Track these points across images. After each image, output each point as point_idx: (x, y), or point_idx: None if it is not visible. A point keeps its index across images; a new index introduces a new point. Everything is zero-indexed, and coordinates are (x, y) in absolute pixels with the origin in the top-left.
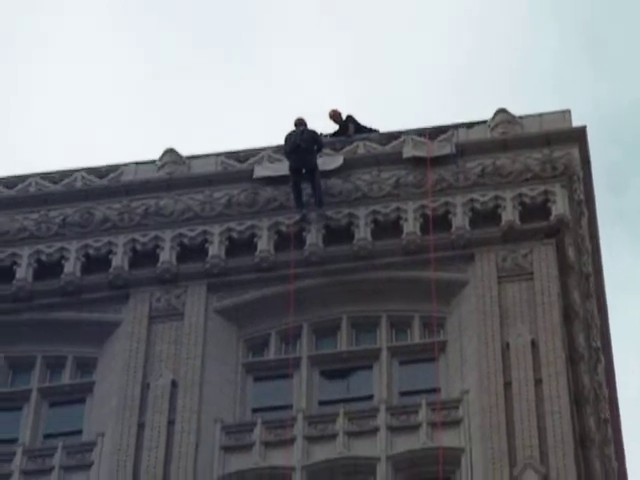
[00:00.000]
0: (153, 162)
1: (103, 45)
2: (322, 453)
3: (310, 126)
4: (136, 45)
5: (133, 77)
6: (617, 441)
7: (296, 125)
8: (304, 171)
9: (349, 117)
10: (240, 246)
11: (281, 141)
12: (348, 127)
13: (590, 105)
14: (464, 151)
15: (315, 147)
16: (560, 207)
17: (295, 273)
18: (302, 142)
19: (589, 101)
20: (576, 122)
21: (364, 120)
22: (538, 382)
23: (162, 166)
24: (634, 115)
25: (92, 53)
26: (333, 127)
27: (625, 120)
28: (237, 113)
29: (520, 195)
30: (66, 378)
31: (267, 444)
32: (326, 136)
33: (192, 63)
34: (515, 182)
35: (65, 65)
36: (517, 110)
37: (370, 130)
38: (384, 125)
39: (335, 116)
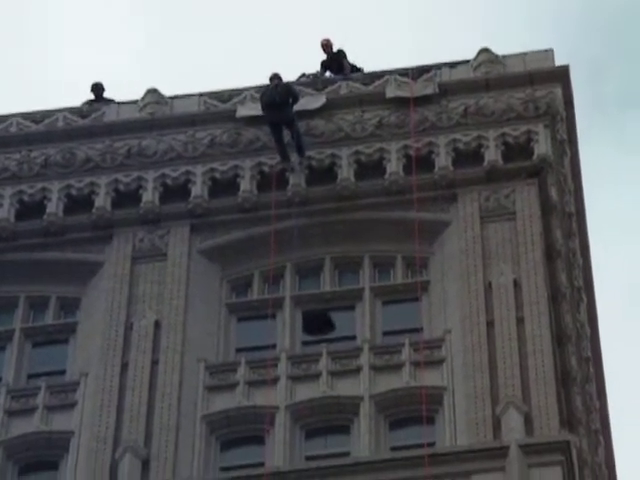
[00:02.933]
0: (135, 102)
1: None
2: (306, 392)
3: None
4: None
5: (114, 17)
6: (599, 379)
7: (271, 80)
8: (283, 125)
9: (340, 52)
10: (223, 186)
11: (265, 81)
12: (342, 63)
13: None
14: (447, 91)
15: (290, 100)
16: (543, 147)
17: (278, 214)
18: (277, 96)
19: None
20: (559, 16)
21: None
22: (520, 321)
23: (144, 106)
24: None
25: None
26: (321, 57)
27: (608, 11)
28: (220, 52)
29: (503, 135)
30: (49, 318)
31: (251, 384)
32: (313, 76)
33: (175, 2)
34: (498, 122)
35: (46, 8)
36: (500, 48)
37: (357, 69)
38: (367, 65)
39: (327, 46)
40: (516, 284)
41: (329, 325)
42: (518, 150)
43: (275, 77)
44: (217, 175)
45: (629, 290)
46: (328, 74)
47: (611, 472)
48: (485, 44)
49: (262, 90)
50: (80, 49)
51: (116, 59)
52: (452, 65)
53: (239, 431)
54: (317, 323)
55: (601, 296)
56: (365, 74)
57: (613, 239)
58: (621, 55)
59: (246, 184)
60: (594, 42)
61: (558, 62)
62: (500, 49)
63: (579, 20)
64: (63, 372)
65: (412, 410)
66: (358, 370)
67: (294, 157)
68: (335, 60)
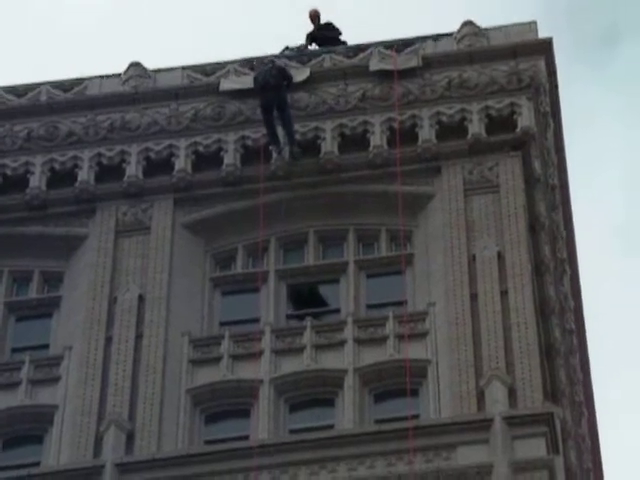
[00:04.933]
0: (118, 75)
1: None
2: (290, 366)
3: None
4: None
5: None
6: (582, 351)
7: (265, 64)
8: (275, 108)
9: (329, 24)
10: (206, 160)
11: (248, 54)
12: (328, 35)
13: None
14: (430, 64)
15: (284, 82)
16: (526, 119)
17: (262, 187)
18: (271, 78)
19: None
20: None
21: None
22: (504, 294)
23: (127, 80)
24: None
25: None
26: (305, 29)
27: None
28: (203, 25)
29: (486, 107)
30: (33, 292)
31: (235, 357)
32: (297, 48)
33: None
34: (481, 95)
35: None
36: (484, 20)
37: (341, 42)
38: (350, 37)
39: (314, 16)
40: (500, 257)
41: (318, 299)
42: (501, 123)
43: (270, 61)
44: (201, 149)
45: (611, 263)
46: (314, 46)
47: (595, 444)
48: (468, 16)
49: (255, 74)
50: (64, 21)
51: (98, 31)
52: (435, 38)
53: (223, 404)
54: (305, 297)
55: (584, 268)
56: (349, 47)
57: (593, 180)
58: None
59: (230, 158)
60: None
61: (539, 11)
62: (483, 22)
63: None
64: (47, 346)
65: (396, 383)
66: (342, 343)
67: (283, 142)
68: (321, 31)
